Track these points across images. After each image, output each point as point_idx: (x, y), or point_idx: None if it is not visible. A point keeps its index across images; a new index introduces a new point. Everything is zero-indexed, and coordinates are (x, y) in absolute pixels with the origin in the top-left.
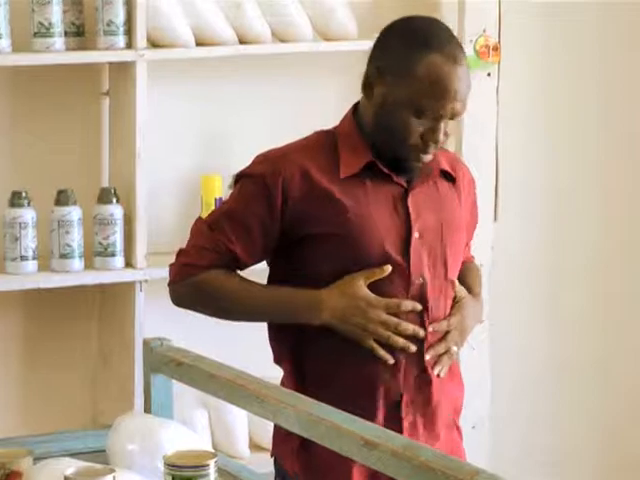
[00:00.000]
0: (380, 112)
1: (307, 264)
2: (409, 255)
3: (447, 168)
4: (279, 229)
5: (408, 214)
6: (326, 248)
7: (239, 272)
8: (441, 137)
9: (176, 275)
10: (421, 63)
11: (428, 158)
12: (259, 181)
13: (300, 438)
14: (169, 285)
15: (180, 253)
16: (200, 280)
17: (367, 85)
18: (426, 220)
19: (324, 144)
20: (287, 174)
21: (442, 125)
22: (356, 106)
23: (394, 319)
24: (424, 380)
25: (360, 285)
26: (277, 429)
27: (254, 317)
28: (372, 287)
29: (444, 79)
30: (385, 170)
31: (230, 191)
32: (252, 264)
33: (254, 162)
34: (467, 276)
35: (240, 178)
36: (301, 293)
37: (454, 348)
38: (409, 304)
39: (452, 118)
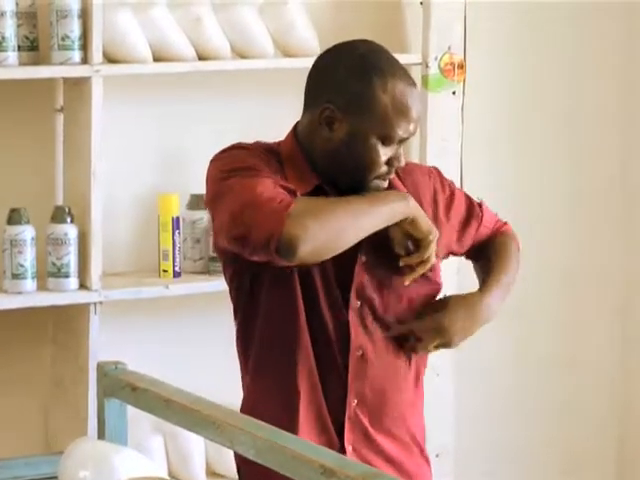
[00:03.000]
0: (345, 147)
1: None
2: (352, 280)
3: (398, 186)
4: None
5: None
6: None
7: None
8: (403, 160)
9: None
10: (383, 92)
11: (386, 184)
12: (244, 148)
13: None
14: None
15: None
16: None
17: (324, 122)
18: (372, 242)
19: (272, 156)
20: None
21: (402, 148)
22: (295, 131)
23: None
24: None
25: None
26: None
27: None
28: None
29: (406, 103)
30: (332, 194)
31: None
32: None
33: (222, 150)
34: (486, 261)
35: (210, 172)
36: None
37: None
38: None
39: (408, 139)
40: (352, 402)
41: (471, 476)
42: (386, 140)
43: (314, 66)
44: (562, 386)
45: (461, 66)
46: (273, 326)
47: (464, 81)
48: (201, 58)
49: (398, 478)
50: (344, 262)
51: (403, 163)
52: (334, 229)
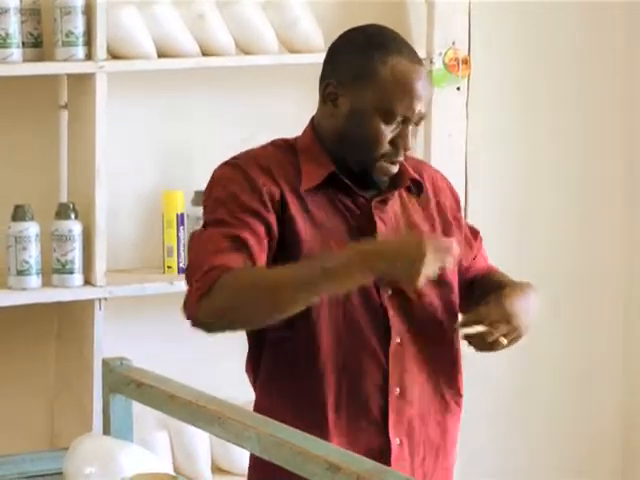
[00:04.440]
0: (348, 123)
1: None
2: None
3: (416, 177)
4: (271, 215)
5: (372, 227)
6: (288, 258)
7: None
8: (410, 142)
9: (197, 290)
10: (384, 66)
11: (395, 169)
12: (239, 171)
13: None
14: (195, 305)
15: (190, 273)
16: (229, 278)
17: (329, 99)
18: (393, 231)
19: (286, 153)
20: (264, 170)
21: (410, 129)
22: (312, 120)
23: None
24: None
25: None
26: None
27: (300, 295)
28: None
29: (408, 79)
30: (347, 182)
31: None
32: (263, 250)
33: (228, 162)
34: (493, 281)
35: (215, 179)
36: (338, 252)
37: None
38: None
39: (418, 122)
40: (394, 391)
41: (476, 475)
42: (387, 117)
43: (326, 53)
44: (568, 385)
45: (465, 61)
46: (290, 328)
47: (469, 76)
48: (205, 54)
49: (407, 476)
50: None
51: (410, 145)
52: (249, 311)
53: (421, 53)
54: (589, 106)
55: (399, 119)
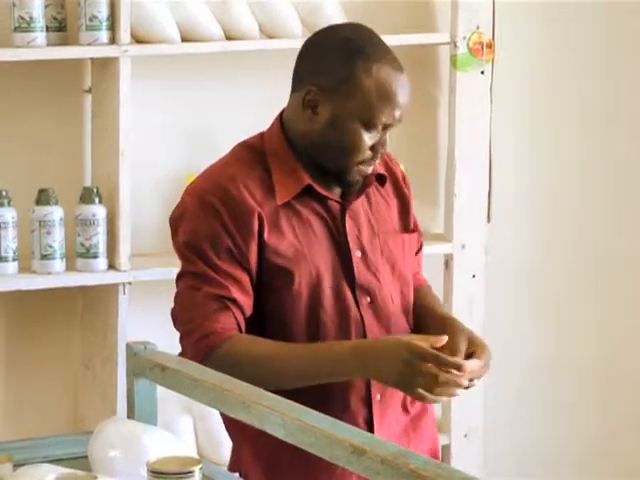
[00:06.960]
0: (328, 130)
1: (259, 301)
2: (353, 275)
3: (382, 171)
4: (250, 254)
5: (344, 230)
6: (273, 281)
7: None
8: (387, 147)
9: (196, 356)
10: (367, 75)
11: (370, 170)
12: (210, 210)
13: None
14: (200, 363)
15: (186, 333)
16: (227, 354)
17: (309, 105)
18: (365, 236)
19: (254, 163)
20: (237, 199)
21: (387, 134)
22: (281, 119)
23: (444, 375)
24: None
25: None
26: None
27: (294, 383)
28: (316, 309)
29: (391, 89)
30: (322, 192)
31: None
32: (249, 295)
33: (196, 192)
34: (434, 304)
35: (185, 214)
36: (340, 348)
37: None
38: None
39: (392, 126)
40: (376, 398)
41: (500, 456)
42: (369, 125)
43: (302, 49)
44: (594, 360)
45: (490, 45)
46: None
47: (493, 61)
48: (229, 38)
49: (429, 458)
50: (340, 262)
51: (387, 149)
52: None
53: (445, 37)
54: (614, 89)
55: (381, 127)
